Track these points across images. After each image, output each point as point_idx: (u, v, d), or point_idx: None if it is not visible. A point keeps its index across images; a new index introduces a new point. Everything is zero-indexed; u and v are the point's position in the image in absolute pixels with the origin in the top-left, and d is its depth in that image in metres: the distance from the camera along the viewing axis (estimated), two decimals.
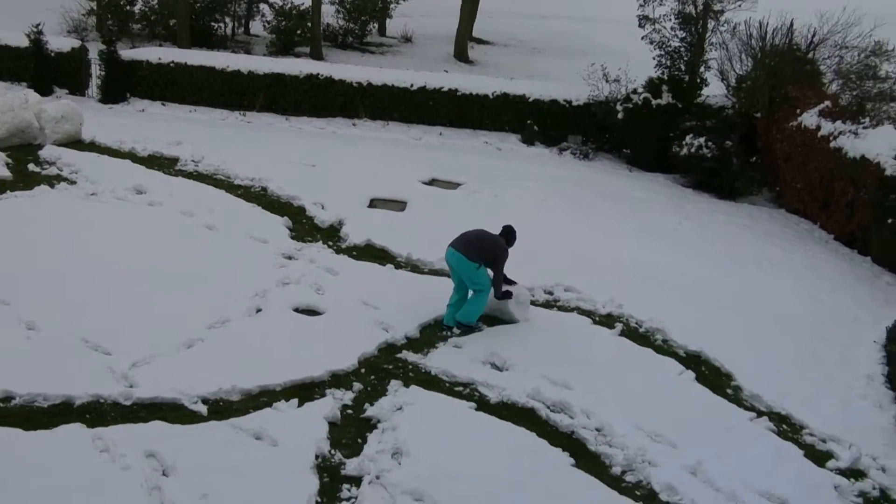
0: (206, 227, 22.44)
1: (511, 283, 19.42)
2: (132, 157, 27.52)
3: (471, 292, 18.97)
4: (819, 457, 16.00)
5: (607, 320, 19.82)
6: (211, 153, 27.66)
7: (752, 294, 22.03)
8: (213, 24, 47.12)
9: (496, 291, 18.88)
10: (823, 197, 27.74)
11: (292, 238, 22.60)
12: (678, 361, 18.44)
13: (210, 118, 33.74)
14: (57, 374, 15.50)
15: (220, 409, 15.30)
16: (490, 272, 18.85)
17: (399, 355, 17.67)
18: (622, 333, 19.28)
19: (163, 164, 27.17)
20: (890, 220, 24.19)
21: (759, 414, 17.04)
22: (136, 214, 22.97)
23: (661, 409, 16.59)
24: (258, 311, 18.61)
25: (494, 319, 19.27)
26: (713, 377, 18.17)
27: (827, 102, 29.09)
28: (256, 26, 48.78)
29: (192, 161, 27.21)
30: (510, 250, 18.98)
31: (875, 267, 25.00)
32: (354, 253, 22.13)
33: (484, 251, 18.65)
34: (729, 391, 17.77)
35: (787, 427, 16.82)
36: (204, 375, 15.90)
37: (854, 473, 15.62)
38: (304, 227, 23.40)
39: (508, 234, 19.18)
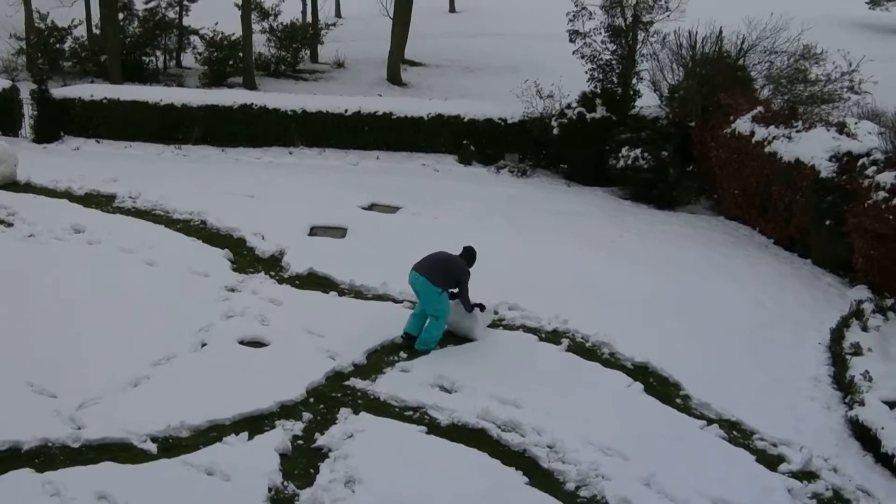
0: (147, 264, 22.30)
1: (479, 305, 19.66)
2: (69, 196, 27.32)
3: (429, 319, 19.07)
4: (771, 461, 16.13)
5: (553, 336, 19.88)
6: (148, 189, 27.49)
7: (695, 302, 22.17)
8: (144, 58, 46.90)
9: (465, 306, 19.27)
10: (761, 202, 27.95)
11: (234, 270, 22.52)
12: (626, 374, 18.54)
13: (146, 153, 33.53)
14: (3, 420, 15.34)
15: (170, 446, 15.22)
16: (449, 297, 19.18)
17: (347, 382, 17.64)
18: (569, 349, 19.34)
19: (100, 201, 27.00)
20: (828, 222, 24.41)
21: (709, 421, 17.16)
22: (75, 254, 22.83)
23: (612, 423, 16.67)
24: (203, 345, 18.52)
25: (445, 339, 19.29)
26: (661, 387, 18.27)
27: (759, 108, 29.32)
28: (188, 58, 48.61)
29: (130, 197, 27.06)
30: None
31: (815, 269, 25.21)
32: (297, 282, 22.08)
33: (447, 273, 19.00)
34: (678, 400, 17.87)
35: (737, 433, 16.94)
36: (152, 413, 15.80)
37: (806, 475, 15.75)
38: (245, 258, 23.33)
39: (469, 255, 19.66)
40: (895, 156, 23.89)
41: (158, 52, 47.83)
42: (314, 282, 22.13)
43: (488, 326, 19.98)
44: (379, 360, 18.56)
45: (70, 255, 22.76)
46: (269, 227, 24.83)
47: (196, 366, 17.74)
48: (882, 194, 22.80)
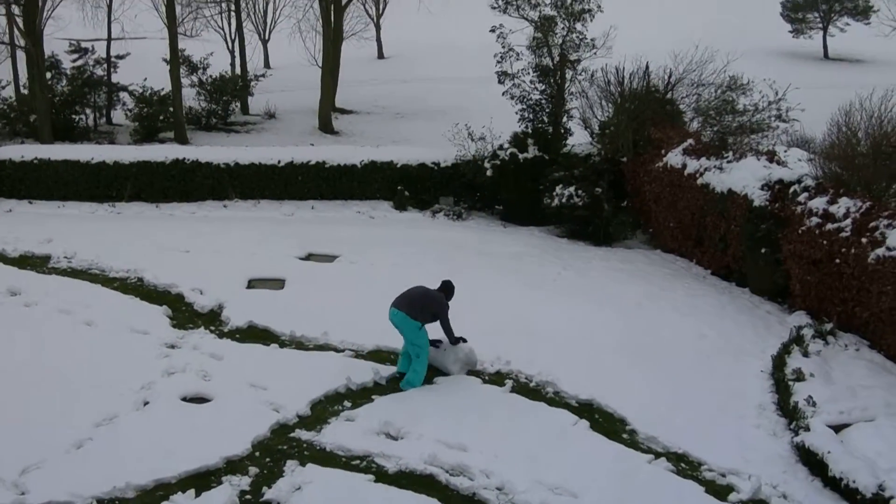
0: (85, 324, 22.10)
1: (461, 339, 19.99)
2: (2, 258, 27.08)
3: (413, 359, 19.44)
4: (720, 491, 16.21)
5: (497, 378, 19.89)
6: (83, 248, 27.28)
7: (637, 336, 22.26)
8: (73, 116, 46.57)
9: (450, 339, 19.70)
10: (696, 233, 28.15)
11: (173, 327, 22.35)
12: (571, 412, 18.60)
13: (79, 212, 33.25)
14: None
15: None
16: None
17: (292, 434, 17.55)
18: (513, 390, 19.38)
19: (35, 263, 26.78)
20: (763, 250, 24.62)
21: (657, 455, 17.22)
22: (11, 317, 22.60)
23: (560, 461, 16.68)
24: (146, 403, 18.35)
25: (388, 388, 19.27)
26: (607, 423, 18.32)
27: (690, 140, 29.57)
28: (118, 115, 48.31)
29: (65, 258, 26.85)
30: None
31: (754, 297, 25.42)
32: (237, 336, 21.96)
33: (425, 308, 19.35)
34: (624, 436, 17.92)
35: (685, 465, 17.01)
36: (96, 475, 15.64)
37: None
38: (184, 314, 23.17)
39: (447, 289, 20.05)
40: (826, 181, 24.16)
41: (88, 110, 47.50)
42: (255, 335, 22.01)
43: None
44: (323, 410, 18.48)
45: (6, 317, 22.53)
46: (206, 281, 24.69)
47: (139, 425, 17.57)
48: (815, 220, 23.07)
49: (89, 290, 24.50)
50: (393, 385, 19.52)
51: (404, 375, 19.64)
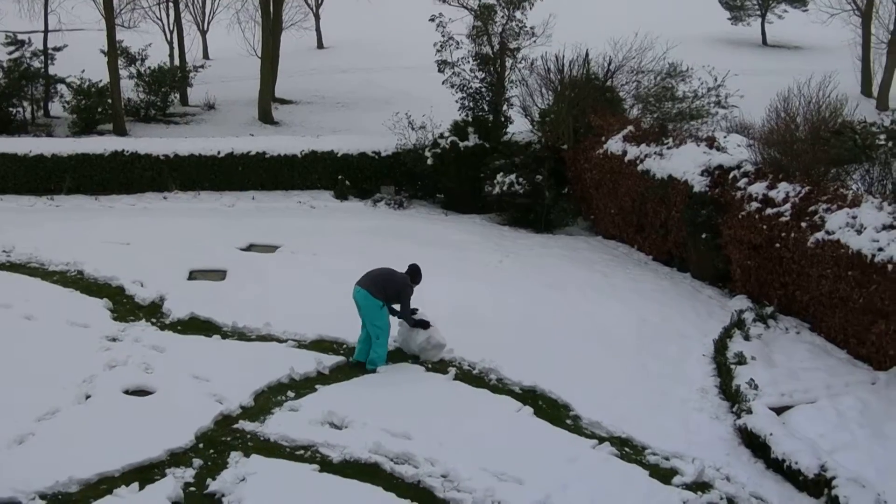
0: (25, 318, 21.84)
1: (423, 322, 20.15)
2: None
3: (372, 339, 19.53)
4: (664, 475, 16.30)
5: (440, 366, 19.90)
6: (21, 241, 26.96)
7: (579, 322, 22.34)
8: (10, 109, 46.03)
9: (408, 321, 19.89)
10: (637, 220, 28.28)
11: (114, 319, 22.15)
12: (515, 398, 18.66)
13: (18, 206, 32.83)
14: None
15: (60, 502, 14.93)
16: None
17: (236, 426, 17.47)
18: (456, 377, 19.41)
19: None
20: (704, 236, 24.77)
21: (601, 440, 17.30)
22: None
23: (504, 448, 16.72)
24: (88, 397, 18.19)
25: (335, 376, 19.24)
26: (551, 409, 18.38)
27: (630, 127, 29.69)
28: (56, 107, 47.74)
29: (3, 252, 26.52)
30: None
31: (695, 282, 25.62)
32: (179, 328, 21.82)
33: (388, 287, 19.57)
34: (568, 421, 18.00)
35: (629, 449, 17.10)
36: (39, 470, 15.48)
37: (700, 486, 15.95)
38: (125, 306, 22.98)
39: (414, 273, 20.32)
40: (765, 167, 24.33)
41: (25, 103, 46.91)
42: (196, 326, 21.89)
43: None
44: (267, 400, 18.40)
45: None
46: (147, 273, 24.51)
47: (81, 418, 17.42)
48: (755, 205, 23.26)
49: (28, 283, 24.22)
50: (336, 375, 19.50)
51: (362, 364, 19.76)
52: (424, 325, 20.15)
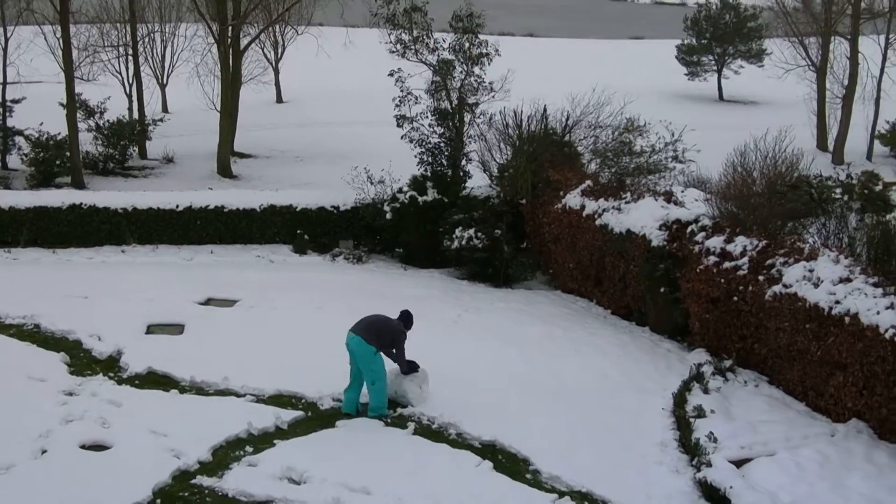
0: None
1: (415, 366, 20.55)
2: None
3: (367, 388, 19.91)
4: None
5: (399, 421, 19.82)
6: None
7: (538, 376, 22.32)
8: None
9: (401, 367, 20.18)
10: (596, 274, 28.37)
11: (71, 373, 21.97)
12: (474, 453, 18.59)
13: None
14: None
15: None
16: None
17: (194, 481, 17.32)
18: (415, 432, 19.34)
19: None
20: (662, 289, 24.86)
21: (560, 494, 17.26)
22: None
23: (463, 503, 16.63)
24: (44, 452, 18.00)
25: (292, 431, 19.14)
26: (510, 464, 18.33)
27: (588, 182, 29.82)
28: (14, 160, 47.65)
29: None
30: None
31: (654, 336, 25.67)
32: (137, 382, 21.65)
33: (382, 334, 19.78)
34: (528, 476, 17.95)
35: (589, 503, 17.04)
36: None
37: None
38: (82, 360, 22.80)
39: (406, 319, 20.61)
40: (722, 221, 24.46)
41: None
42: (154, 381, 21.73)
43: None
44: (225, 455, 18.28)
45: None
46: (105, 327, 24.36)
47: (37, 474, 17.23)
48: (712, 259, 23.37)
49: None
50: (295, 429, 19.39)
51: (350, 416, 19.87)
52: (415, 367, 20.53)
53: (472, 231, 31.09)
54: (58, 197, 35.30)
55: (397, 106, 36.63)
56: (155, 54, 62.54)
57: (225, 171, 48.28)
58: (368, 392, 19.93)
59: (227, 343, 23.61)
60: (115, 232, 34.36)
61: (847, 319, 19.33)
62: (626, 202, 27.46)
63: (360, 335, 19.71)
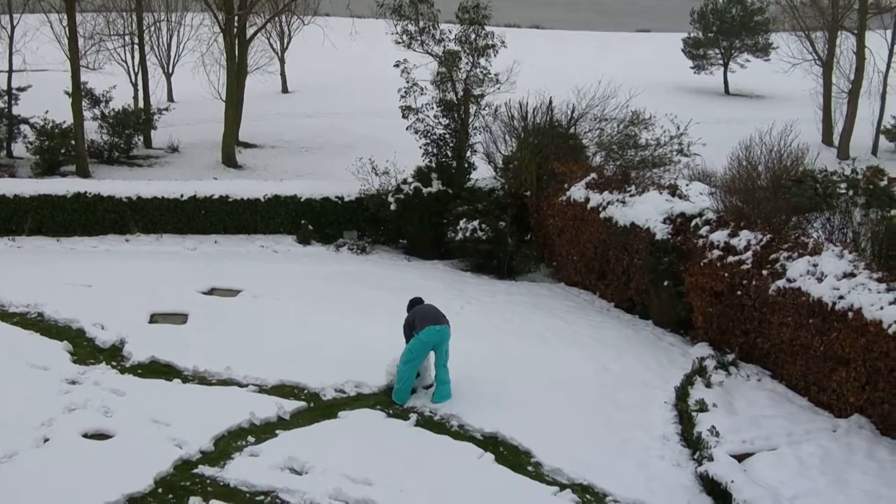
0: None
1: None
2: None
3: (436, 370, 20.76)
4: None
5: (401, 412, 19.83)
6: None
7: (541, 369, 22.29)
8: None
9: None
10: (600, 267, 28.34)
11: (74, 362, 21.97)
12: (476, 445, 18.59)
13: None
14: None
15: None
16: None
17: (196, 470, 17.33)
18: (417, 423, 19.34)
19: None
20: (666, 283, 24.83)
21: (562, 487, 17.24)
22: None
23: (465, 495, 16.67)
24: (46, 440, 18.01)
25: (294, 421, 19.14)
26: (512, 456, 18.32)
27: (593, 175, 29.77)
28: (19, 148, 47.69)
29: None
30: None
31: (657, 329, 25.63)
32: (139, 371, 21.66)
33: None
34: (529, 468, 17.94)
35: (590, 496, 17.06)
36: None
37: None
38: (85, 349, 22.81)
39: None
40: (727, 215, 24.43)
41: None
42: (157, 370, 21.73)
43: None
44: (227, 445, 18.28)
45: None
46: (108, 316, 24.36)
47: (39, 462, 17.24)
48: (716, 253, 23.33)
49: None
50: (297, 420, 19.40)
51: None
52: None
53: (476, 223, 31.07)
54: (62, 185, 35.28)
55: (403, 97, 36.62)
56: (161, 43, 62.66)
57: (230, 160, 48.31)
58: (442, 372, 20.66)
59: (230, 333, 23.59)
60: (119, 221, 34.39)
61: (850, 314, 19.30)
62: (631, 195, 27.41)
63: (447, 324, 20.73)
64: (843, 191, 27.97)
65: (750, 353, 22.60)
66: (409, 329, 20.84)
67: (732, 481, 16.77)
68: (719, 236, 23.71)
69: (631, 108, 34.89)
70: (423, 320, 20.51)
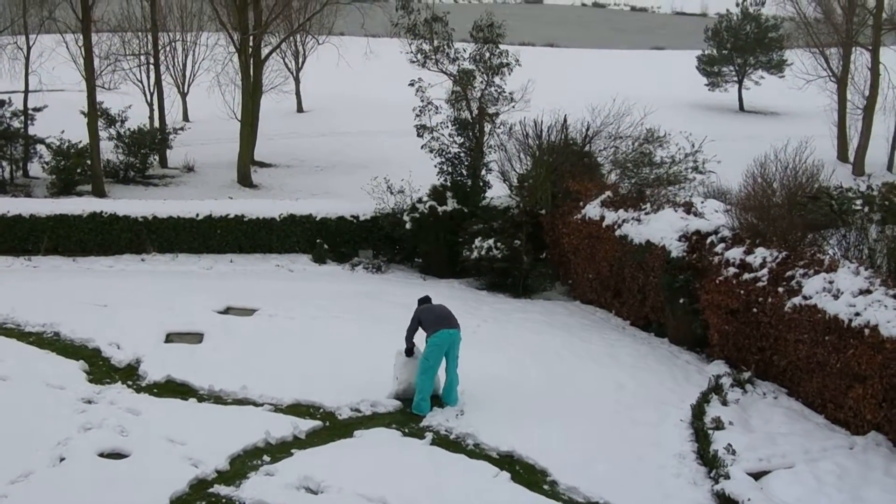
0: (0, 379, 21.71)
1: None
2: None
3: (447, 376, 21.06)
4: None
5: (417, 431, 19.82)
6: None
7: (556, 387, 22.28)
8: None
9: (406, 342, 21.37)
10: (615, 285, 28.32)
11: (90, 382, 22.00)
12: (492, 464, 18.56)
13: None
14: None
15: None
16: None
17: (211, 490, 17.34)
18: (433, 442, 19.31)
19: None
20: (681, 301, 24.79)
21: None
22: None
23: None
24: (62, 459, 18.05)
25: (307, 442, 19.14)
26: (528, 475, 18.30)
27: (608, 193, 29.76)
28: (35, 168, 47.84)
29: None
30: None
31: (673, 347, 25.59)
32: (155, 390, 21.68)
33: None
34: (545, 486, 17.91)
35: None
36: None
37: None
38: (101, 369, 22.85)
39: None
40: (742, 232, 24.41)
41: (4, 163, 47.00)
42: (172, 389, 21.76)
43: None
44: (242, 464, 18.29)
45: None
46: (124, 335, 24.41)
47: (55, 481, 17.27)
48: (732, 270, 23.32)
49: (4, 344, 24.07)
50: (312, 439, 19.41)
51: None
52: (409, 352, 21.31)
53: (491, 241, 31.06)
54: (78, 205, 35.36)
55: (417, 116, 36.72)
56: (176, 63, 62.83)
57: (245, 180, 48.37)
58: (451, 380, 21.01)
59: (245, 352, 23.61)
60: (135, 240, 34.45)
61: (867, 331, 19.26)
62: (646, 213, 27.40)
63: (458, 328, 20.94)
64: (859, 207, 27.98)
65: (766, 370, 22.57)
66: (416, 324, 21.12)
67: (749, 500, 16.74)
68: (735, 253, 23.69)
69: (646, 125, 34.88)
70: (436, 322, 20.72)
